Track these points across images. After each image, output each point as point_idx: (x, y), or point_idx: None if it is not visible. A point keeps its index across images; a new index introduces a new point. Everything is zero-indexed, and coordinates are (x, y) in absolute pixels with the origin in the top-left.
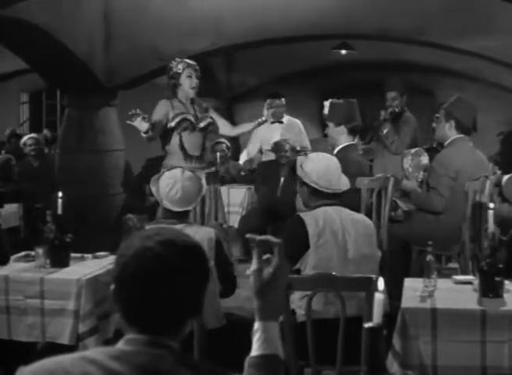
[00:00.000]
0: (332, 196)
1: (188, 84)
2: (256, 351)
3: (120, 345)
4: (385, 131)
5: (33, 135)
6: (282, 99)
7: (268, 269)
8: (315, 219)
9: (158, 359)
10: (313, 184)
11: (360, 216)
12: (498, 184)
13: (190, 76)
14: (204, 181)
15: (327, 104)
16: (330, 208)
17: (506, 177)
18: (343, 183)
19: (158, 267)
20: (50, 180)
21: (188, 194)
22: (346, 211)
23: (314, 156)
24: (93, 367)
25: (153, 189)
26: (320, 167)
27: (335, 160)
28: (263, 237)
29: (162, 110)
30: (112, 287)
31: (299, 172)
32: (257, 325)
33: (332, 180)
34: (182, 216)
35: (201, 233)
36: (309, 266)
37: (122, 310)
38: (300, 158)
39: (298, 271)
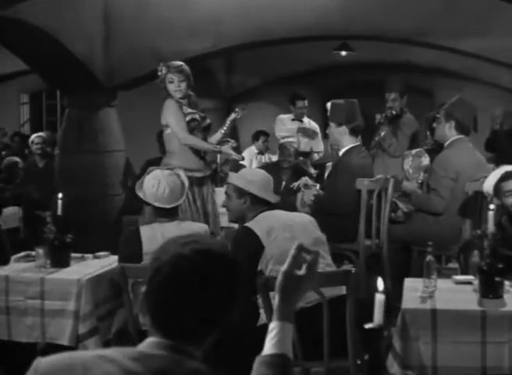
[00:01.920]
0: (268, 204)
1: (172, 89)
2: (269, 350)
3: (141, 347)
4: (382, 134)
5: (41, 134)
6: (305, 101)
7: (298, 273)
8: (259, 222)
9: (176, 364)
10: (256, 193)
11: (296, 212)
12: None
13: (171, 82)
14: (183, 175)
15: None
16: (267, 212)
17: None
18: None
19: (191, 275)
20: (53, 180)
21: (176, 189)
22: (282, 211)
23: (249, 170)
24: (112, 366)
25: (140, 194)
26: (261, 178)
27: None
28: (304, 244)
29: (177, 109)
30: (144, 288)
31: (240, 183)
32: (273, 324)
33: (271, 190)
34: (173, 213)
35: (195, 228)
36: (269, 262)
37: (151, 313)
38: (231, 174)
39: (261, 272)
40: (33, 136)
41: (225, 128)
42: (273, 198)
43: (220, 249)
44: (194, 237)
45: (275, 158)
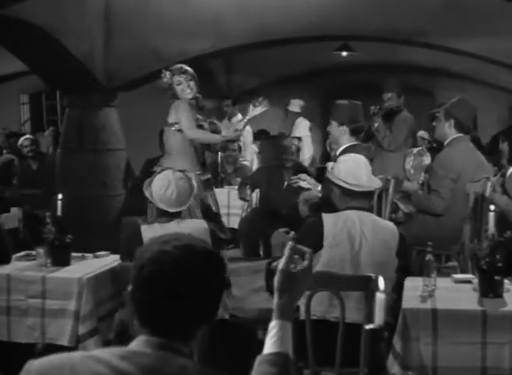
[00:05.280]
0: (362, 196)
1: (181, 90)
2: (270, 349)
3: (130, 346)
4: (375, 125)
5: (29, 136)
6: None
7: (294, 270)
8: (334, 220)
9: (164, 362)
10: (342, 183)
11: (385, 224)
12: (503, 175)
13: (179, 84)
14: (194, 181)
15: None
16: (355, 212)
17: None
18: (375, 183)
19: (174, 271)
20: (50, 181)
21: (183, 194)
22: (372, 217)
23: (344, 158)
24: (100, 366)
25: (147, 193)
26: (349, 166)
27: (363, 160)
28: (298, 245)
29: (189, 108)
30: (129, 288)
31: (329, 175)
32: (273, 323)
33: (361, 178)
34: (175, 215)
35: (195, 225)
36: (320, 263)
37: (137, 311)
38: (330, 164)
39: None
40: (22, 139)
41: (248, 118)
42: (363, 187)
43: (201, 244)
44: (176, 235)
45: None
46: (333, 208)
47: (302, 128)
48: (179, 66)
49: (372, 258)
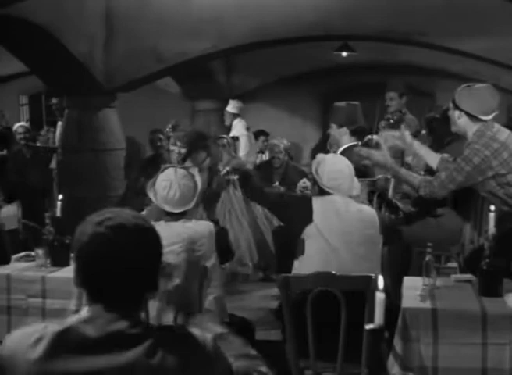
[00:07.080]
0: None
1: (170, 154)
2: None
3: (85, 311)
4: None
5: (23, 124)
6: None
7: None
8: (321, 201)
9: (115, 322)
10: (323, 187)
11: (365, 206)
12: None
13: (172, 151)
14: (198, 177)
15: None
16: (338, 197)
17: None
18: (355, 189)
19: (110, 251)
20: (43, 172)
21: (186, 193)
22: (353, 201)
23: (330, 158)
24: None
25: (150, 195)
26: (332, 170)
27: (348, 165)
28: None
29: None
30: (74, 265)
31: (313, 172)
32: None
33: (342, 184)
34: (181, 214)
35: (202, 227)
36: (313, 235)
37: (84, 288)
38: (317, 160)
39: (303, 241)
40: (16, 126)
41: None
42: (343, 194)
43: (133, 221)
44: (108, 213)
45: None
46: None
47: (239, 128)
48: (182, 135)
49: (363, 233)
